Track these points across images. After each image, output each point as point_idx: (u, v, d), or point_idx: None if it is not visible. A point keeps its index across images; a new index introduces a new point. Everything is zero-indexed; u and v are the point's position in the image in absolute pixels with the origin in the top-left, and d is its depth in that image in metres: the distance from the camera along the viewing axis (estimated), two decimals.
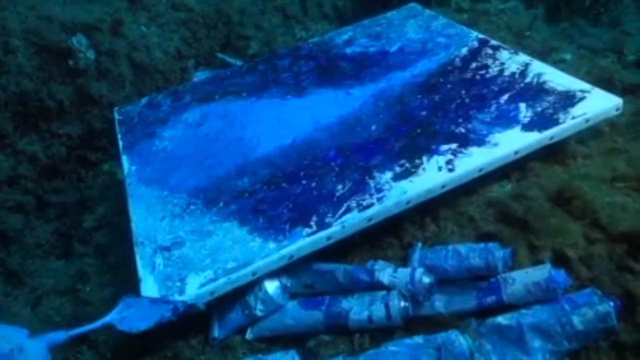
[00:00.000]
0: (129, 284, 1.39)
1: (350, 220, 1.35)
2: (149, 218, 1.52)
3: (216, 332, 1.35)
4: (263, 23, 2.56)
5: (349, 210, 1.37)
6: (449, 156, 1.45)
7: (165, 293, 1.28)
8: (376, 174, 1.45)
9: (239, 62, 2.41)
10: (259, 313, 1.34)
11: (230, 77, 2.08)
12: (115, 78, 2.14)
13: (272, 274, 1.34)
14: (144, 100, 2.07)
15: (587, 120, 1.48)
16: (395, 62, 1.92)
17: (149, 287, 1.32)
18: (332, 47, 2.11)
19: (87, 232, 1.89)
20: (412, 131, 1.56)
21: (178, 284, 1.30)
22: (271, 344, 1.34)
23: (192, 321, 1.33)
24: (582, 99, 1.53)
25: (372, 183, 1.43)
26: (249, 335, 1.36)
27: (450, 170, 1.41)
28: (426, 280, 1.26)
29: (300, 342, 1.31)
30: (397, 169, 1.45)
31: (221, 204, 1.50)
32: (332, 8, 2.90)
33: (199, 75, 2.37)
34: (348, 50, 2.06)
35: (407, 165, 1.45)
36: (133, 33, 2.19)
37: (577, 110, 1.49)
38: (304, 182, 1.49)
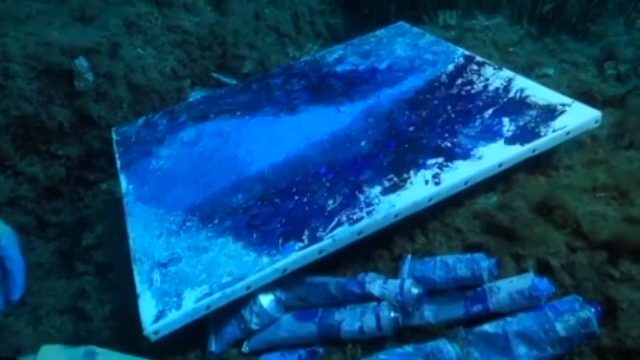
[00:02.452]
0: (128, 300, 1.42)
1: (341, 234, 1.39)
2: (146, 235, 1.56)
3: (213, 346, 1.39)
4: (257, 43, 2.62)
5: (339, 224, 1.41)
6: (436, 170, 1.49)
7: (162, 308, 1.32)
8: (366, 189, 1.49)
9: (233, 82, 2.47)
10: (254, 326, 1.38)
11: (225, 97, 2.13)
12: (113, 99, 2.18)
13: (267, 288, 1.38)
14: (140, 120, 2.11)
15: (568, 133, 1.53)
16: (384, 79, 1.97)
17: (147, 302, 1.35)
18: (323, 66, 2.17)
19: (86, 250, 1.92)
20: (400, 146, 1.61)
21: (175, 299, 1.33)
22: None
23: (189, 336, 1.36)
24: (562, 112, 1.57)
25: (361, 197, 1.47)
26: (245, 348, 1.39)
27: (437, 183, 1.46)
28: (414, 291, 1.30)
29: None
30: (386, 183, 1.49)
31: (216, 221, 1.54)
32: (325, 26, 2.97)
33: (195, 95, 2.42)
34: (339, 69, 2.12)
35: (396, 179, 1.50)
36: (130, 55, 2.23)
37: (558, 123, 1.54)
38: (296, 197, 1.53)
